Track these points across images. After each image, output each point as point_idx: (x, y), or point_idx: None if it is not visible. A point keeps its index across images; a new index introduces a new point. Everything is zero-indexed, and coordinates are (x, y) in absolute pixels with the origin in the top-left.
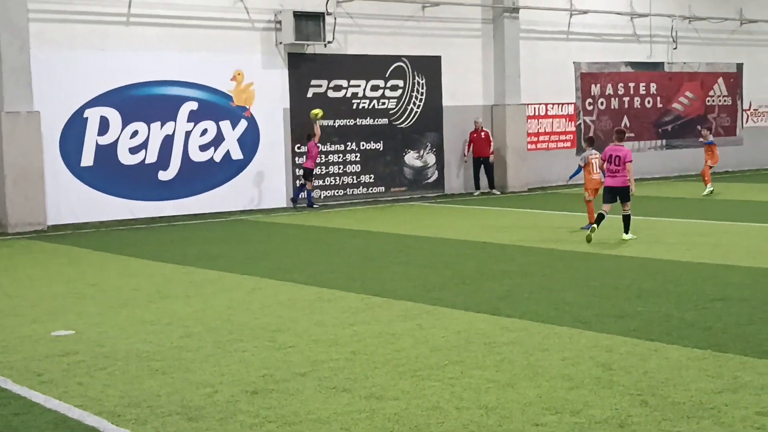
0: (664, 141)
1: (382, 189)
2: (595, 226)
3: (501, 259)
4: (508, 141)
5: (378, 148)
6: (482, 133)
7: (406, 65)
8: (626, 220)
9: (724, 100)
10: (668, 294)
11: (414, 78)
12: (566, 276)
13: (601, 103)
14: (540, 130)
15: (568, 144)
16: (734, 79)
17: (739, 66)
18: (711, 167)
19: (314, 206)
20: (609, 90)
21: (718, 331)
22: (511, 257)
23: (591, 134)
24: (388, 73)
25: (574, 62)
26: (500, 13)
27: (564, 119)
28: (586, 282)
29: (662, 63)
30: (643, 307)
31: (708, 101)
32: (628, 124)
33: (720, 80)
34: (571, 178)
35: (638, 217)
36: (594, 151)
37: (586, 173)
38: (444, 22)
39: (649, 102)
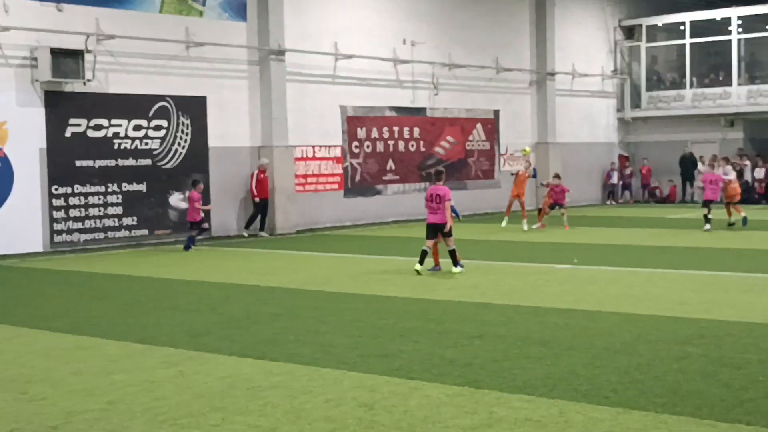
0: (427, 184)
1: (146, 232)
2: (419, 268)
3: (269, 302)
4: (276, 183)
5: (141, 189)
6: (261, 175)
7: (171, 105)
8: (452, 254)
9: (483, 145)
10: (430, 333)
11: (179, 118)
12: (333, 318)
13: (368, 146)
14: (308, 172)
15: (336, 186)
16: (491, 125)
17: (496, 112)
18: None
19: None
20: (374, 133)
21: (477, 368)
22: (279, 300)
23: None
24: (152, 112)
25: (340, 105)
26: (266, 55)
27: (331, 161)
28: (352, 323)
29: (425, 108)
30: (405, 346)
31: (468, 145)
32: (393, 167)
33: (479, 125)
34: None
35: (409, 258)
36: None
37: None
38: (210, 62)
39: (412, 146)
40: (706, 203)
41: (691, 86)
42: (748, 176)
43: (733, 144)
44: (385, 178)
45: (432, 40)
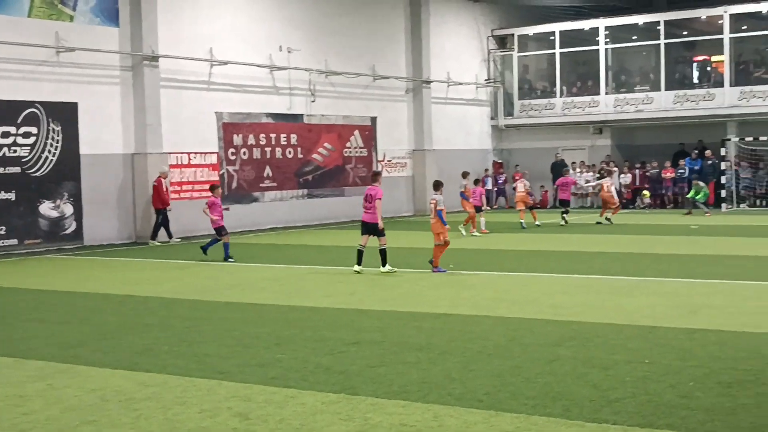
0: (305, 190)
1: (15, 242)
2: (358, 269)
3: (142, 313)
4: (150, 191)
5: (10, 198)
6: (160, 183)
7: (40, 111)
8: (382, 253)
9: (361, 152)
10: (306, 340)
11: (49, 125)
12: (208, 327)
13: (244, 153)
14: (183, 179)
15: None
16: (369, 132)
17: (373, 119)
18: None
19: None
20: (251, 140)
21: (353, 374)
22: (153, 310)
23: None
24: (20, 119)
25: (216, 112)
26: (139, 61)
27: (207, 168)
28: (228, 332)
29: (302, 115)
30: (282, 354)
31: (345, 152)
32: (270, 174)
33: (356, 132)
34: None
35: (280, 266)
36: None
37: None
38: (81, 68)
39: (290, 152)
40: (562, 203)
41: (561, 95)
42: (615, 182)
43: (601, 151)
44: (262, 185)
45: (308, 47)
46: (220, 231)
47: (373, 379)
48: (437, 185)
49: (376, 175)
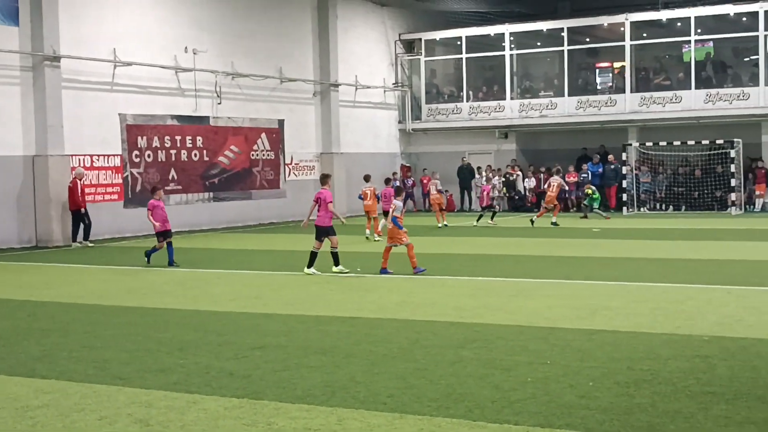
0: (211, 194)
1: None
2: (309, 272)
3: (40, 318)
4: (51, 193)
5: None
6: (74, 185)
7: None
8: (334, 255)
9: (268, 155)
10: (210, 345)
11: None
12: (109, 332)
13: (149, 156)
14: (86, 182)
15: (116, 196)
16: (276, 135)
17: (281, 122)
18: None
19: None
20: (156, 142)
21: (256, 379)
22: (52, 315)
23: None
24: None
25: (119, 114)
26: (40, 61)
27: (111, 171)
28: (129, 337)
29: (208, 117)
30: (184, 359)
31: (252, 155)
32: (175, 177)
33: (263, 135)
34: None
35: (185, 269)
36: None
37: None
38: None
39: (195, 155)
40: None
41: (468, 99)
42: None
43: (507, 155)
44: (167, 188)
45: (214, 49)
46: (160, 236)
47: (277, 383)
48: (399, 191)
49: (325, 178)
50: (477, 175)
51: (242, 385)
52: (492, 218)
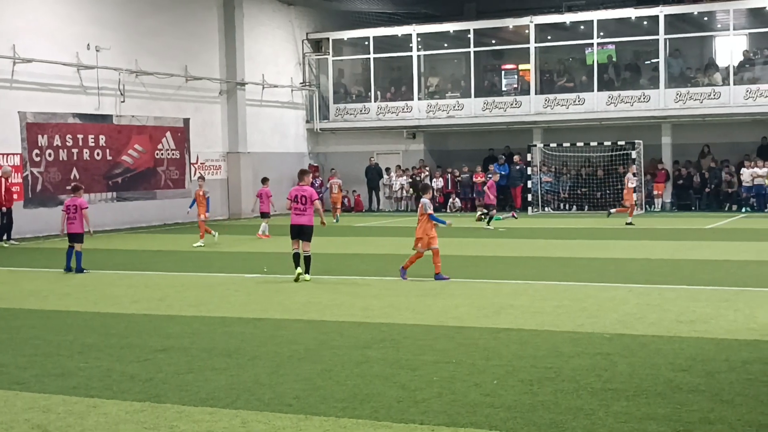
0: (114, 194)
1: None
2: (301, 271)
3: None
4: None
5: None
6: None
7: None
8: (307, 261)
9: (173, 154)
10: (112, 348)
11: None
12: (5, 336)
13: (50, 155)
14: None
15: (15, 197)
16: (181, 134)
17: (186, 121)
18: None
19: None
20: (57, 141)
21: (159, 382)
22: None
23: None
24: None
25: (19, 112)
26: None
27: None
28: (27, 341)
29: (111, 116)
30: (85, 363)
31: (157, 154)
32: (78, 176)
33: (168, 134)
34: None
35: (88, 272)
36: (423, 200)
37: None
38: None
39: (98, 154)
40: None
41: (376, 99)
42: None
43: (415, 155)
44: (68, 187)
45: (118, 46)
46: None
47: (180, 386)
48: (426, 188)
49: (304, 174)
50: (386, 175)
51: (144, 388)
52: (488, 222)
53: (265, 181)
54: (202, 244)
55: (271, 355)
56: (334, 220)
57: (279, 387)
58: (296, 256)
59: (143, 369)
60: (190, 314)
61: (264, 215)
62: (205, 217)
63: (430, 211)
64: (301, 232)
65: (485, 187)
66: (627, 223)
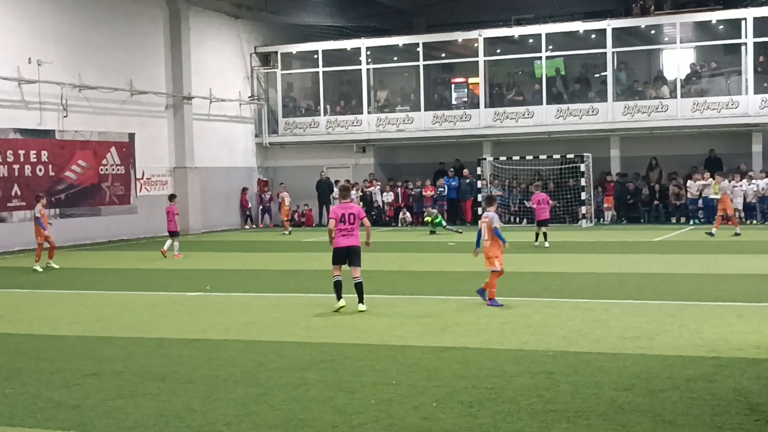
0: (57, 210)
1: None
2: (343, 304)
3: None
4: None
5: None
6: None
7: None
8: (359, 288)
9: (118, 169)
10: (41, 373)
11: None
12: None
13: None
14: None
15: None
16: (127, 149)
17: (131, 135)
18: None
19: None
20: None
21: (86, 409)
22: None
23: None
24: None
25: None
26: None
27: None
28: None
29: (53, 131)
30: (11, 389)
31: (102, 170)
32: (19, 193)
33: (113, 149)
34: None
35: (23, 290)
36: (486, 213)
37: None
38: None
39: (41, 170)
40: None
41: (326, 113)
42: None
43: (365, 169)
44: (9, 204)
45: (60, 60)
46: None
47: (108, 413)
48: (490, 201)
49: (347, 190)
50: (335, 189)
51: (70, 416)
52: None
53: (172, 198)
54: None
55: (206, 378)
56: (287, 232)
57: (211, 413)
58: (338, 285)
59: (71, 395)
60: (126, 335)
61: (172, 234)
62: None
63: (498, 225)
64: (350, 254)
65: (532, 204)
66: (735, 234)
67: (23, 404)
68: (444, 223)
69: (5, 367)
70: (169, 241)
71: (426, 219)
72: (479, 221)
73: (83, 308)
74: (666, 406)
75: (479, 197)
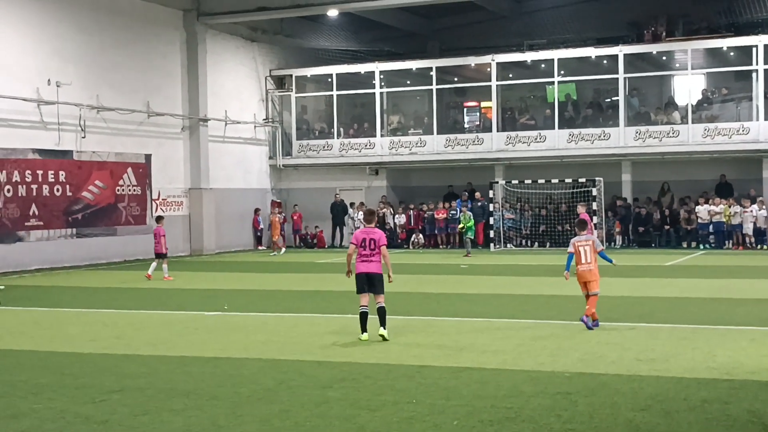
0: (74, 230)
1: None
2: (366, 338)
3: None
4: None
5: None
6: None
7: None
8: (381, 312)
9: (134, 190)
10: (66, 388)
11: None
12: None
13: (8, 190)
14: None
15: None
16: (143, 169)
17: (148, 156)
18: None
19: None
20: (16, 177)
21: (114, 424)
22: None
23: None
24: None
25: None
26: None
27: None
28: None
29: (71, 151)
30: (38, 404)
31: (118, 190)
32: (36, 212)
33: (129, 170)
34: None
35: (44, 309)
36: (584, 236)
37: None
38: None
39: (58, 190)
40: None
41: (339, 136)
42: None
43: (378, 191)
44: (27, 223)
45: (79, 82)
46: None
47: (135, 428)
48: (583, 224)
49: (371, 215)
50: (350, 210)
51: (98, 430)
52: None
53: (159, 220)
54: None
55: (229, 395)
56: (274, 253)
57: (237, 428)
58: (363, 317)
59: (98, 410)
60: (147, 353)
61: (160, 256)
62: None
63: (603, 247)
64: (371, 282)
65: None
66: None
67: (51, 418)
68: (472, 233)
69: (30, 383)
70: (154, 263)
71: (461, 222)
72: (572, 244)
73: (103, 326)
74: (682, 427)
75: (491, 220)
